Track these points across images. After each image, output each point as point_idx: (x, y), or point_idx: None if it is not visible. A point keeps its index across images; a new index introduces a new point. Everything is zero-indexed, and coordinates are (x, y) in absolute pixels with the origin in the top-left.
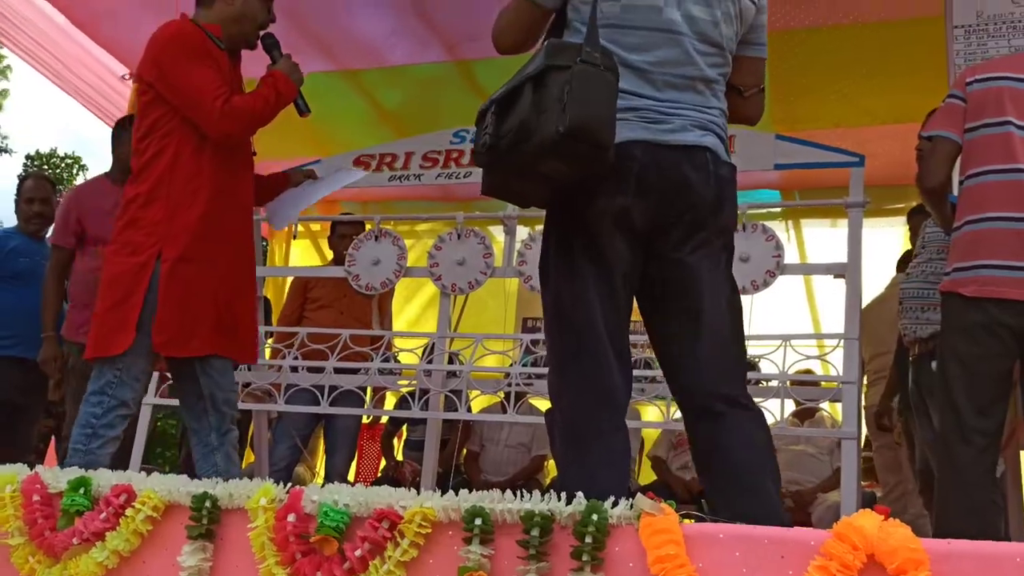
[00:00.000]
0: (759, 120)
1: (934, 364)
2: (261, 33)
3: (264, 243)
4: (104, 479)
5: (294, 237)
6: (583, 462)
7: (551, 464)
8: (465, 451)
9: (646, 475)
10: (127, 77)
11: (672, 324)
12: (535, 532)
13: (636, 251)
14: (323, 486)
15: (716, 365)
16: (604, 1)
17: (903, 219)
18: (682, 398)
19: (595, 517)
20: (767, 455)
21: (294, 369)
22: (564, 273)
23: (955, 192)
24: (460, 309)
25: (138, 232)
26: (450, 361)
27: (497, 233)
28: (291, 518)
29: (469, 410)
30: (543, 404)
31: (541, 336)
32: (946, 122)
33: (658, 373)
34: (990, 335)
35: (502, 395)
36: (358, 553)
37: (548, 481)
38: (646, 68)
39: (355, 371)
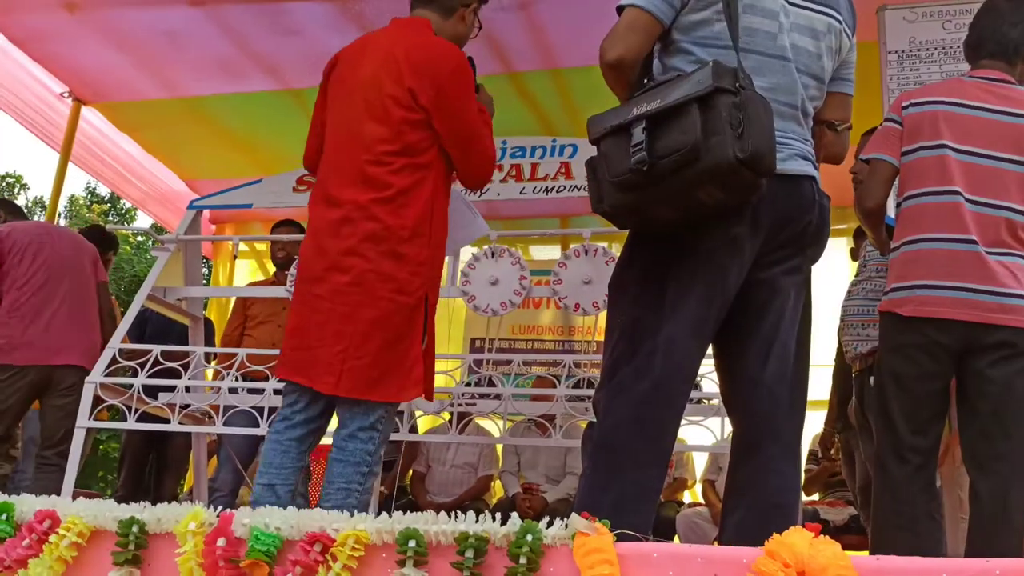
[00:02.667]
0: (843, 159)
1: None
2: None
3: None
4: (27, 504)
5: (234, 256)
6: (613, 489)
7: (498, 485)
8: (411, 472)
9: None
10: (66, 95)
11: (746, 345)
12: (469, 553)
13: (740, 279)
14: (256, 509)
15: (775, 396)
16: (719, 23)
17: (844, 240)
18: (737, 423)
19: (529, 537)
20: (796, 500)
21: (233, 390)
22: (650, 298)
23: (892, 214)
24: None
25: (403, 269)
26: None
27: None
28: (221, 542)
29: (413, 430)
30: (490, 426)
31: (486, 356)
32: (883, 145)
33: (706, 394)
34: (927, 355)
35: (447, 416)
36: None
37: (495, 501)
38: (762, 95)
39: None
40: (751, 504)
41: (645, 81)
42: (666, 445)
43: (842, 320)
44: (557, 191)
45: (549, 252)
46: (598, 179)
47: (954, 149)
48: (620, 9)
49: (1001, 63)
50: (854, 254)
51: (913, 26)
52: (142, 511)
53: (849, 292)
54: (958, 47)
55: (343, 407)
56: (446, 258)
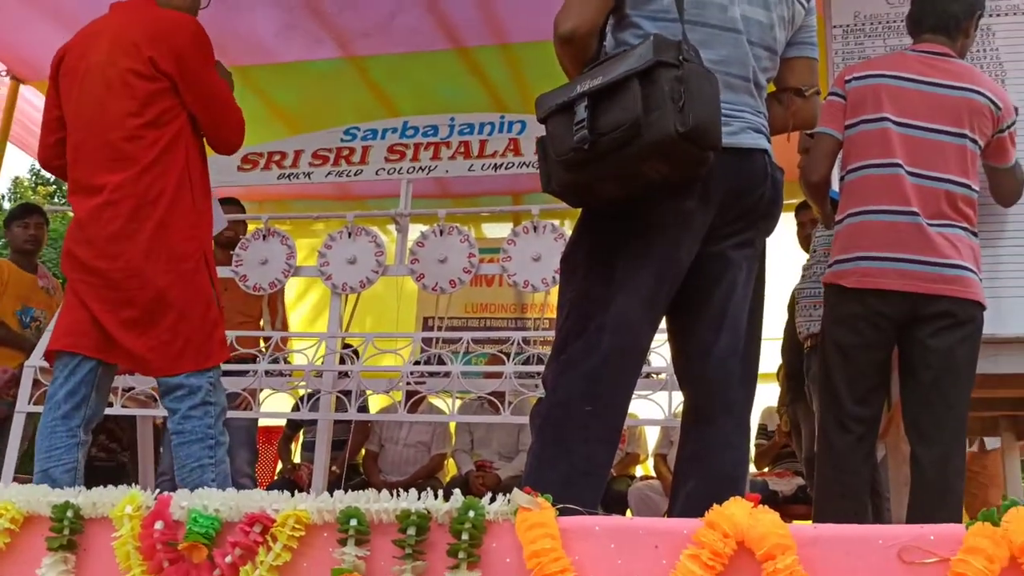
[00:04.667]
0: (817, 123)
1: None
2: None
3: None
4: None
5: None
6: (561, 465)
7: (451, 463)
8: (364, 451)
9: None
10: (3, 73)
11: (698, 318)
12: (411, 531)
13: (691, 253)
14: (193, 491)
15: (727, 368)
16: None
17: (790, 215)
18: (689, 396)
19: (471, 514)
20: (744, 472)
21: None
22: (601, 273)
23: (836, 188)
24: (352, 308)
25: (174, 236)
26: (342, 361)
27: (393, 231)
28: (159, 525)
29: (362, 410)
30: (442, 405)
31: (435, 335)
32: (827, 118)
33: (655, 369)
34: (869, 325)
35: (398, 395)
36: (228, 559)
37: (448, 479)
38: (710, 67)
39: (243, 373)
40: (702, 476)
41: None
42: (616, 420)
43: (796, 302)
44: (506, 168)
45: (502, 230)
46: (546, 159)
47: (895, 122)
48: None
49: (942, 37)
50: (802, 240)
51: (857, 1)
52: (76, 495)
53: (802, 276)
54: (902, 21)
55: (165, 395)
56: (396, 236)
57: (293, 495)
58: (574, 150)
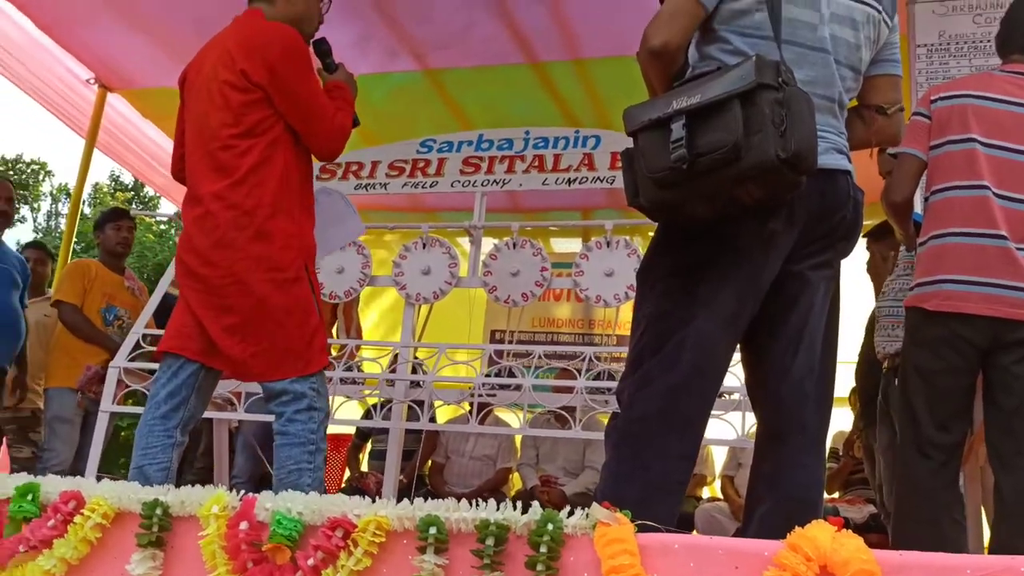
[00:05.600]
0: (900, 141)
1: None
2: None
3: None
4: (52, 485)
5: None
6: (638, 481)
7: (516, 477)
8: (430, 463)
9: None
10: (92, 81)
11: (775, 338)
12: (490, 541)
13: (773, 274)
14: (277, 494)
15: (803, 389)
16: (759, 12)
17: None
18: (762, 415)
19: (550, 527)
20: (820, 494)
21: None
22: (682, 291)
23: (919, 209)
24: (425, 319)
25: (273, 246)
26: (414, 371)
27: (463, 243)
28: (243, 526)
29: (432, 420)
30: (509, 417)
31: (506, 347)
32: (911, 139)
33: (728, 388)
34: (952, 349)
35: (467, 406)
36: (310, 562)
37: (513, 493)
38: (804, 90)
39: None
40: (776, 497)
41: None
42: (694, 438)
43: (876, 321)
44: (579, 182)
45: (570, 244)
46: (634, 172)
47: (983, 143)
48: None
49: None
50: (870, 269)
51: (943, 20)
52: (166, 493)
53: (882, 292)
54: (988, 41)
55: (270, 401)
56: (468, 248)
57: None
58: (671, 169)
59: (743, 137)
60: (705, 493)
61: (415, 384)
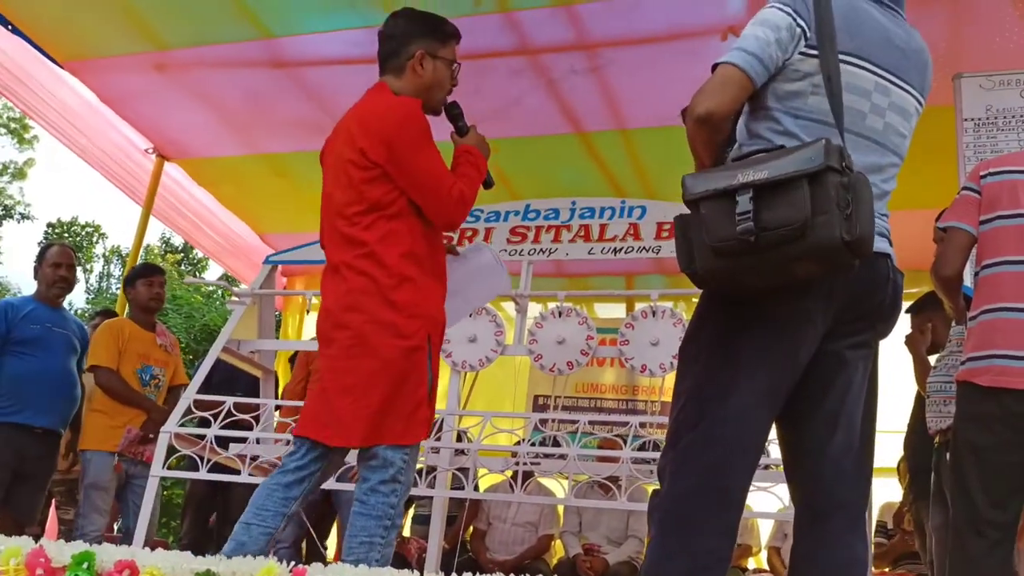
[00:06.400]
0: None
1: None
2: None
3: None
4: (107, 554)
5: (307, 311)
6: (682, 558)
7: (558, 544)
8: (472, 528)
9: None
10: (151, 151)
11: (812, 415)
12: None
13: (810, 352)
14: (327, 565)
15: (841, 467)
16: (814, 96)
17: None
18: (800, 494)
19: None
20: (863, 572)
21: None
22: (721, 366)
23: (968, 283)
24: (470, 386)
25: (399, 314)
26: (458, 439)
27: (508, 310)
28: None
29: (476, 488)
30: (551, 484)
31: (550, 415)
32: (961, 213)
33: (774, 460)
34: (1005, 426)
35: (510, 473)
36: None
37: (555, 561)
38: (867, 177)
39: None
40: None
41: (730, 147)
42: (735, 513)
43: (927, 396)
44: (625, 252)
45: (613, 310)
46: (689, 239)
47: None
48: (715, 66)
49: None
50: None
51: (990, 94)
52: (218, 563)
53: (934, 367)
54: None
55: (361, 462)
56: (514, 315)
57: (402, 570)
58: (737, 240)
59: (810, 217)
60: (751, 564)
61: (460, 452)
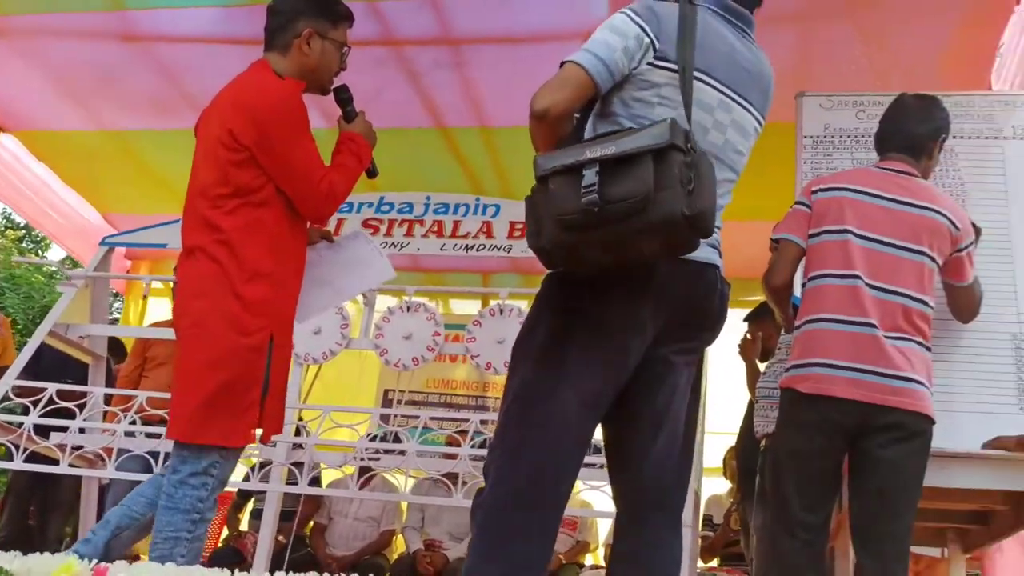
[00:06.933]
0: None
1: None
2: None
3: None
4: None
5: (145, 296)
6: (500, 560)
7: (399, 539)
8: (312, 523)
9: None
10: None
11: (637, 419)
12: None
13: (638, 357)
14: (132, 562)
15: (663, 469)
16: (661, 106)
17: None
18: (622, 495)
19: None
20: (678, 572)
21: (130, 434)
22: (549, 366)
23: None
24: (312, 379)
25: (245, 310)
26: (297, 433)
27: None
28: None
29: (314, 481)
30: (402, 479)
31: (393, 411)
32: (792, 226)
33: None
34: (821, 432)
35: (350, 469)
36: None
37: (395, 556)
38: (710, 159)
39: None
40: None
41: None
42: (555, 516)
43: (756, 401)
44: (477, 249)
45: (470, 306)
46: (539, 216)
47: (857, 235)
48: (563, 64)
49: (907, 157)
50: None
51: (828, 113)
52: (11, 561)
53: (763, 374)
54: (869, 136)
55: (174, 451)
56: (363, 308)
57: (235, 563)
58: (581, 211)
59: (653, 191)
60: (588, 560)
61: (297, 446)
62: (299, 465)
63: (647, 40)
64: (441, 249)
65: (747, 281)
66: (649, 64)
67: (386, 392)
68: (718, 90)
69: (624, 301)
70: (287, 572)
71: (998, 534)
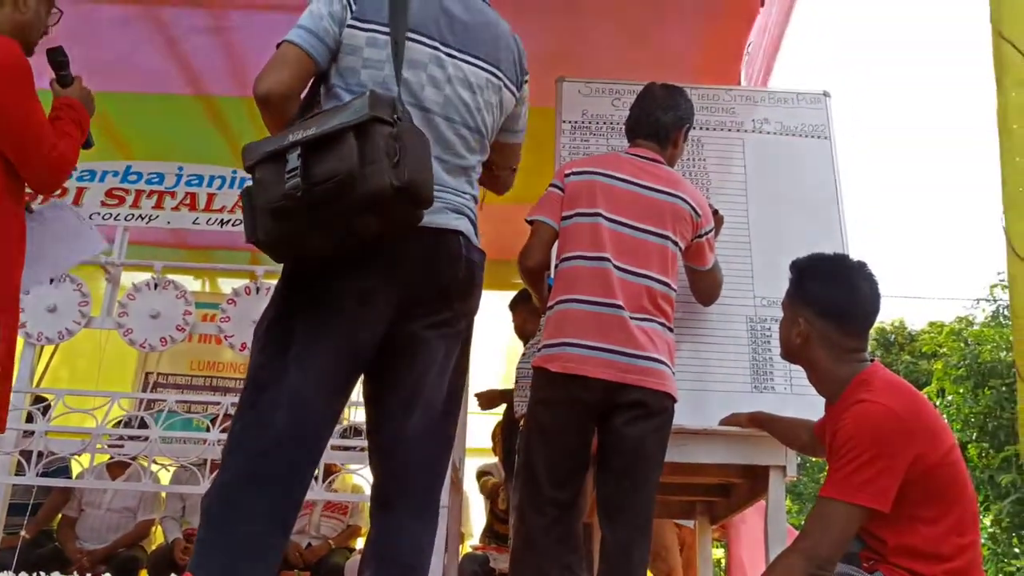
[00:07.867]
0: (503, 193)
1: None
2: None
3: None
4: None
5: None
6: (226, 550)
7: (158, 531)
8: (61, 516)
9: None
10: None
11: (389, 397)
12: None
13: (376, 333)
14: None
15: (417, 450)
16: (366, 70)
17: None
18: (375, 476)
19: None
20: (421, 559)
21: None
22: (278, 347)
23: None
24: (47, 361)
25: None
26: (30, 419)
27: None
28: None
29: (61, 471)
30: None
31: (135, 395)
32: (546, 208)
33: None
34: (569, 410)
35: (106, 457)
36: None
37: (153, 547)
38: (420, 129)
39: None
40: (381, 564)
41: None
42: (288, 503)
43: (516, 382)
44: (234, 224)
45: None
46: (252, 207)
47: (607, 218)
48: (279, 45)
49: (654, 144)
50: (517, 330)
51: (587, 100)
52: None
53: (523, 355)
54: (623, 123)
55: None
56: (106, 285)
57: None
58: (285, 197)
59: (358, 167)
60: (360, 544)
61: (28, 433)
62: (26, 454)
63: (345, 1)
64: (194, 223)
65: (507, 263)
66: (349, 27)
67: (147, 375)
68: (428, 46)
69: (348, 275)
70: (29, 572)
71: (737, 505)
